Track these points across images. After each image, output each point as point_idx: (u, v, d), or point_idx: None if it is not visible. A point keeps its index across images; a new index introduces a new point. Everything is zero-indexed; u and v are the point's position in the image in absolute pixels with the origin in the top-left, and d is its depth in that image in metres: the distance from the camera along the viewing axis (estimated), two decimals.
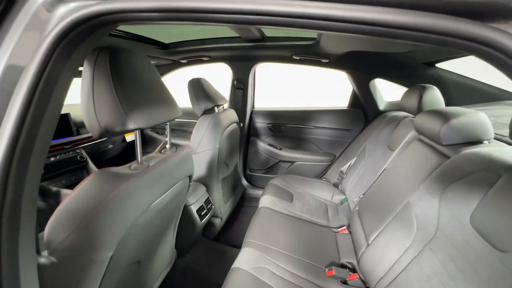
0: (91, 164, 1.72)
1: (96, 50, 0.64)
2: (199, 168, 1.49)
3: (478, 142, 0.90)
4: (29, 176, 0.43)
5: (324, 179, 2.11)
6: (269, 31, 1.42)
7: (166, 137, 0.90)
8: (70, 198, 0.62)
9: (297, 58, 1.64)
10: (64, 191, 1.01)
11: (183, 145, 0.97)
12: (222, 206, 1.67)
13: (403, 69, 1.61)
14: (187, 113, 2.28)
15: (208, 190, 1.51)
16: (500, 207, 0.65)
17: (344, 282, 1.07)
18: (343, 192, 1.86)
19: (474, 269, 0.63)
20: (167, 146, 0.89)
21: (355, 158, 1.83)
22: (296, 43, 1.48)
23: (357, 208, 1.36)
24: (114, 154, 2.17)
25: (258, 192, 2.23)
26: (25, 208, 0.44)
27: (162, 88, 0.78)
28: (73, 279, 0.63)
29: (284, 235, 1.30)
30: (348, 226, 1.47)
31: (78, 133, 1.75)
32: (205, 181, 1.51)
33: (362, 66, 1.69)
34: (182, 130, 2.36)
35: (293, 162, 2.10)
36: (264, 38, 1.48)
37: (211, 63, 1.94)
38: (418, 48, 1.22)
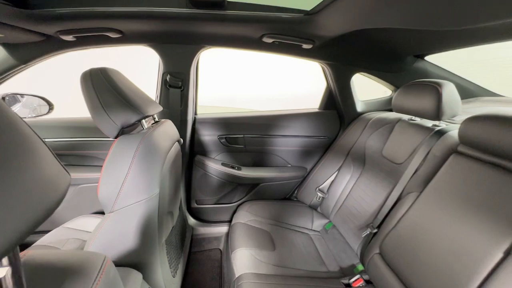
0: None
1: None
2: (125, 241, 0.79)
3: None
4: None
5: (295, 199, 1.70)
6: None
7: None
8: None
9: (269, 41, 1.12)
10: None
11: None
12: (170, 284, 0.99)
13: (391, 61, 1.34)
14: (85, 128, 1.40)
15: (147, 275, 0.82)
16: None
17: None
18: (324, 215, 1.49)
19: None
20: None
21: (336, 173, 1.48)
22: (275, 15, 0.94)
23: (378, 251, 0.98)
24: None
25: (210, 229, 1.62)
26: None
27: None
28: None
29: None
30: (358, 270, 1.10)
31: None
32: (140, 261, 0.81)
33: (347, 57, 1.33)
34: (80, 156, 1.44)
35: (257, 184, 1.59)
36: (224, 3, 0.89)
37: (124, 45, 1.17)
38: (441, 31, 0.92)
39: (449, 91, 0.99)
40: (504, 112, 0.74)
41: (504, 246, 0.63)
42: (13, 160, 0.19)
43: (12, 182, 0.19)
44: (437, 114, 0.98)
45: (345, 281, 1.04)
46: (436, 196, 0.86)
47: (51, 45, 1.12)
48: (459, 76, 1.36)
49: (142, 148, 0.80)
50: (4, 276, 0.23)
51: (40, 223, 0.20)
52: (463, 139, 0.83)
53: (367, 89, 1.64)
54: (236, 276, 0.99)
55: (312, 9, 0.91)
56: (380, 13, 0.84)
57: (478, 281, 0.64)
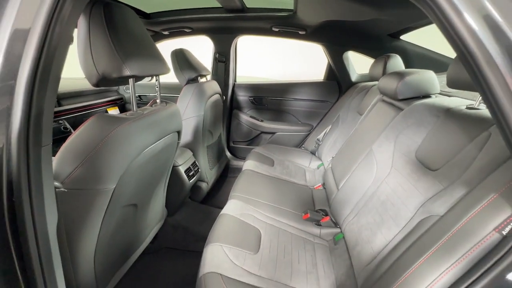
0: None
1: (90, 3, 0.70)
2: (185, 134, 1.58)
3: (427, 96, 1.06)
4: (48, 96, 0.51)
5: (303, 148, 2.27)
6: (249, 1, 1.49)
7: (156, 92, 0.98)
8: (74, 136, 0.69)
9: (276, 30, 1.72)
10: None
11: (172, 103, 1.05)
12: (208, 172, 1.78)
13: (371, 41, 1.76)
14: (172, 88, 2.31)
15: (195, 155, 1.60)
16: (435, 139, 0.81)
17: (318, 224, 1.24)
18: (319, 158, 2.03)
19: (415, 187, 0.80)
20: (158, 101, 0.98)
21: (330, 127, 1.99)
22: (274, 14, 1.56)
23: (330, 166, 1.53)
24: None
25: (241, 163, 2.35)
26: (45, 128, 0.52)
27: (152, 44, 0.85)
28: (82, 207, 0.72)
29: (266, 190, 1.44)
30: (323, 184, 1.65)
31: (60, 105, 1.75)
32: (191, 147, 1.60)
33: (335, 39, 1.82)
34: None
35: (274, 133, 2.24)
36: (244, 9, 1.55)
37: (193, 35, 1.97)
38: (383, 17, 1.35)
39: (394, 62, 1.41)
40: (406, 70, 1.19)
41: (372, 143, 1.14)
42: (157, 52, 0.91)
43: (159, 64, 0.91)
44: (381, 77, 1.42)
45: (312, 187, 1.62)
46: (363, 126, 1.36)
47: (157, 37, 2.01)
48: (437, 53, 1.66)
49: (196, 91, 1.56)
50: None
51: (156, 75, 0.91)
52: (380, 89, 1.30)
53: None
54: (242, 170, 1.69)
55: (294, 8, 1.48)
56: (335, 8, 1.35)
57: (358, 161, 1.17)
